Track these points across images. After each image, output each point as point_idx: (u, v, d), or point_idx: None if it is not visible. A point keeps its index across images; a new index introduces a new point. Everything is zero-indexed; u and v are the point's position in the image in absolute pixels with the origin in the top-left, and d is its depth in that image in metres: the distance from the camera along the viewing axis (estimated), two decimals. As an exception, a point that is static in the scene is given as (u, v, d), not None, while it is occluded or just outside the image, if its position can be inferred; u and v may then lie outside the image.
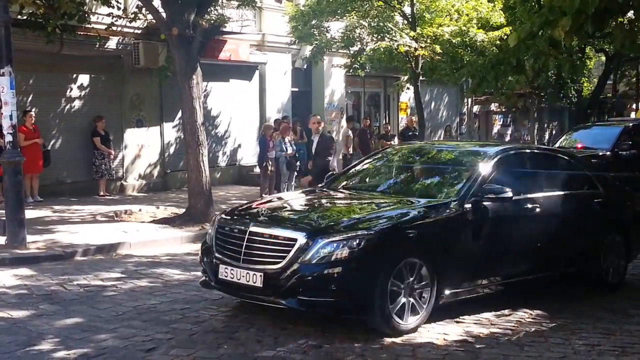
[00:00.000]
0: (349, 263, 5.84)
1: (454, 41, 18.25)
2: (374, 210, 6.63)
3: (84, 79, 16.39)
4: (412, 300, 6.16)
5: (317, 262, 5.86)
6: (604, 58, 31.45)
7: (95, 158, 15.88)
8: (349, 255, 5.85)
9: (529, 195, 7.23)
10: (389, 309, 5.96)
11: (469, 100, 29.55)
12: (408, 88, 22.51)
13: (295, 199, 8.03)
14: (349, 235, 5.95)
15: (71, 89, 16.20)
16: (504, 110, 31.62)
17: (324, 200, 7.50)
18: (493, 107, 31.07)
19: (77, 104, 16.31)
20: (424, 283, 6.24)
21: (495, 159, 7.18)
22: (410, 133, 19.47)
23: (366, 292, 5.87)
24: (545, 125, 34.75)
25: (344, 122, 22.25)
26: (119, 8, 14.17)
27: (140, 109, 17.53)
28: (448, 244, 6.51)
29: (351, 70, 20.78)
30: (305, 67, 21.78)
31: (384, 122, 23.99)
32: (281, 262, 5.96)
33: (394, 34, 17.74)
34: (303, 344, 5.85)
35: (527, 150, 8.17)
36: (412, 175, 7.87)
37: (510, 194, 6.72)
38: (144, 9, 13.93)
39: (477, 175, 6.95)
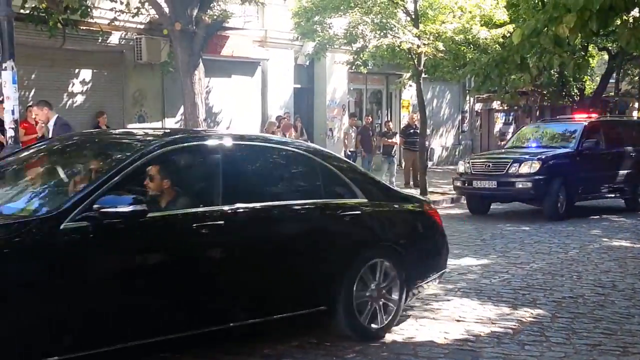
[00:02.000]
0: None
1: (456, 38, 18.19)
2: None
3: (86, 74, 16.37)
4: None
5: None
6: (606, 56, 31.40)
7: None
8: None
9: (203, 210, 5.03)
10: None
11: (471, 98, 29.50)
12: (410, 85, 22.43)
13: None
14: None
15: (73, 84, 16.18)
16: (506, 108, 31.57)
17: None
18: (495, 105, 31.02)
19: (79, 99, 16.29)
20: None
21: (150, 155, 4.94)
22: (411, 130, 19.39)
23: None
24: (547, 124, 34.63)
25: (345, 119, 22.22)
26: (121, 3, 14.15)
27: (142, 104, 17.50)
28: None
29: (353, 67, 20.72)
30: (307, 63, 21.74)
31: (385, 120, 23.94)
32: None
33: (396, 31, 17.69)
34: (303, 340, 5.83)
35: (223, 141, 5.53)
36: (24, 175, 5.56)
37: (134, 209, 4.53)
38: (146, 4, 13.93)
39: (104, 178, 4.68)
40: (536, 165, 13.57)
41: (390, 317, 6.05)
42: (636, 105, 34.56)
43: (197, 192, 5.28)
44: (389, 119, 23.80)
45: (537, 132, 16.41)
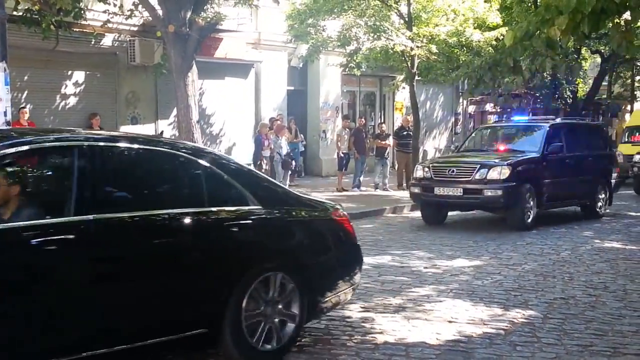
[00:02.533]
0: None
1: (450, 41, 18.27)
2: None
3: (79, 75, 16.36)
4: None
5: None
6: (599, 59, 31.53)
7: None
8: None
9: (47, 222, 4.39)
10: None
11: (465, 100, 29.58)
12: (404, 87, 22.50)
13: None
14: None
15: (66, 86, 16.16)
16: (499, 110, 31.64)
17: None
18: (488, 107, 31.10)
19: (72, 100, 16.28)
20: None
21: None
22: (404, 132, 19.40)
23: None
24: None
25: (339, 121, 22.25)
26: (115, 5, 14.16)
27: (135, 106, 17.49)
28: None
29: (347, 69, 20.77)
30: (301, 65, 21.76)
31: (378, 122, 23.98)
32: None
33: (390, 34, 17.74)
34: (297, 342, 5.85)
35: (82, 142, 4.73)
36: None
37: None
38: (140, 6, 13.93)
39: None
40: (506, 171, 12.26)
41: (290, 336, 5.43)
42: (628, 108, 34.67)
43: (46, 201, 4.64)
44: (382, 121, 23.84)
45: (496, 134, 15.11)
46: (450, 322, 6.57)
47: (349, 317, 6.66)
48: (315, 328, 6.26)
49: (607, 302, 7.46)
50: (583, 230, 12.60)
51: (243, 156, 19.89)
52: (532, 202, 12.53)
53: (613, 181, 15.42)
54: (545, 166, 13.01)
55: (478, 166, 12.53)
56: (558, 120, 15.15)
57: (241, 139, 20.13)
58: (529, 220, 12.47)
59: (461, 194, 12.42)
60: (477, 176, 12.35)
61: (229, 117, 19.90)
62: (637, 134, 22.44)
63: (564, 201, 13.88)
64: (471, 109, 30.84)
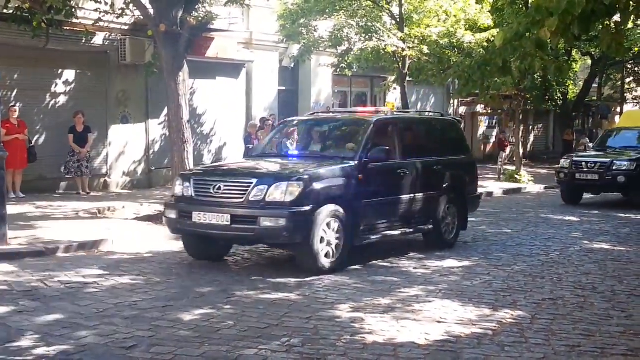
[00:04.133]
0: None
1: (441, 42, 18.32)
2: None
3: (69, 74, 16.29)
4: None
5: None
6: (589, 61, 31.69)
7: (68, 155, 15.53)
8: None
9: None
10: None
11: (455, 101, 29.64)
12: (395, 88, 22.55)
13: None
14: None
15: (56, 85, 16.10)
16: (489, 112, 31.73)
17: None
18: (479, 108, 31.17)
19: (62, 99, 16.21)
20: None
21: None
22: None
23: None
24: (531, 128, 34.90)
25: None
26: (106, 3, 14.08)
27: (125, 105, 17.44)
28: None
29: (338, 70, 20.80)
30: (292, 65, 21.76)
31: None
32: None
33: (381, 34, 17.77)
34: (285, 342, 5.85)
35: None
36: None
37: None
38: (131, 5, 13.86)
39: None
40: (295, 189, 8.36)
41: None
42: (618, 110, 34.87)
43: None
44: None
45: (308, 132, 11.05)
46: (439, 322, 6.58)
47: (338, 317, 6.66)
48: (304, 328, 6.26)
49: (595, 303, 7.49)
50: (573, 231, 12.64)
51: (234, 156, 19.88)
52: (339, 234, 8.68)
53: (473, 196, 11.49)
54: (363, 180, 9.05)
55: (254, 181, 8.49)
56: (389, 113, 11.39)
57: (232, 139, 20.09)
58: (334, 259, 8.65)
59: (228, 223, 8.42)
60: (252, 196, 8.40)
61: (220, 117, 19.87)
62: None
63: (392, 228, 9.77)
64: (462, 110, 30.90)
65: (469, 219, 11.39)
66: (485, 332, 6.31)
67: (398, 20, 18.72)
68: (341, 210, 8.73)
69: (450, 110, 29.84)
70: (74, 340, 5.80)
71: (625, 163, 16.35)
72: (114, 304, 6.98)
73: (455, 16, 18.62)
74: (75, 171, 15.66)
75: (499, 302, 7.37)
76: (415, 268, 9.11)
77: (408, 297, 7.51)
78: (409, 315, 6.78)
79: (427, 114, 12.90)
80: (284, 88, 22.00)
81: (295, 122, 11.85)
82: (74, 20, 14.21)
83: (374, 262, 9.45)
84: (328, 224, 8.59)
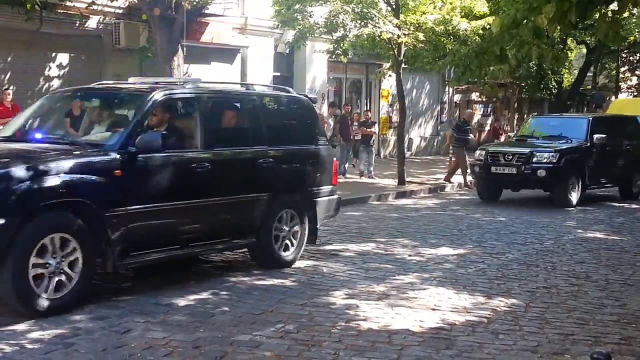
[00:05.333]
0: None
1: (437, 29, 18.23)
2: None
3: (63, 57, 16.18)
4: None
5: None
6: (584, 50, 31.68)
7: None
8: None
9: None
10: None
11: (451, 89, 29.60)
12: (390, 75, 22.46)
13: None
14: None
15: (50, 68, 15.99)
16: (484, 99, 31.73)
17: None
18: (474, 96, 31.17)
19: (55, 83, 16.11)
20: None
21: None
22: (466, 127, 18.14)
23: None
24: (525, 116, 34.93)
25: (325, 108, 22.19)
26: (100, -14, 14.03)
27: (120, 89, 17.32)
28: None
29: (333, 56, 20.71)
30: (287, 51, 21.66)
31: (364, 109, 23.94)
32: None
33: (377, 21, 17.68)
34: (280, 328, 5.85)
35: None
36: None
37: None
38: (125, -12, 13.79)
39: None
40: None
41: None
42: (613, 99, 34.88)
43: None
44: (368, 109, 23.80)
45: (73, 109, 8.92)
46: (433, 309, 6.59)
47: (332, 304, 6.66)
48: (299, 314, 6.27)
49: (589, 291, 7.52)
50: (567, 220, 12.67)
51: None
52: (71, 257, 6.16)
53: (327, 199, 8.85)
54: (126, 178, 6.58)
55: None
56: (189, 85, 7.91)
57: (226, 125, 20.03)
58: (59, 295, 6.07)
59: None
60: None
61: (215, 102, 19.77)
62: None
63: (184, 245, 7.32)
64: (457, 97, 30.90)
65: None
66: (479, 319, 6.32)
67: (394, 6, 18.62)
68: (78, 222, 6.18)
69: (446, 98, 29.83)
70: (69, 324, 5.79)
71: (547, 155, 14.28)
72: (109, 289, 6.97)
73: (451, 3, 18.52)
74: None
75: (493, 290, 7.39)
76: (409, 256, 9.13)
77: (403, 284, 7.52)
78: (403, 303, 6.79)
79: (257, 87, 9.30)
80: (279, 74, 21.91)
81: (68, 94, 9.03)
82: (68, 3, 14.13)
83: (368, 249, 9.45)
84: (44, 247, 5.98)
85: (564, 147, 14.64)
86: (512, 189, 15.32)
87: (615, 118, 17.55)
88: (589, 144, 14.83)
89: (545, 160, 14.22)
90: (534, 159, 14.26)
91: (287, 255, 8.23)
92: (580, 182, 14.46)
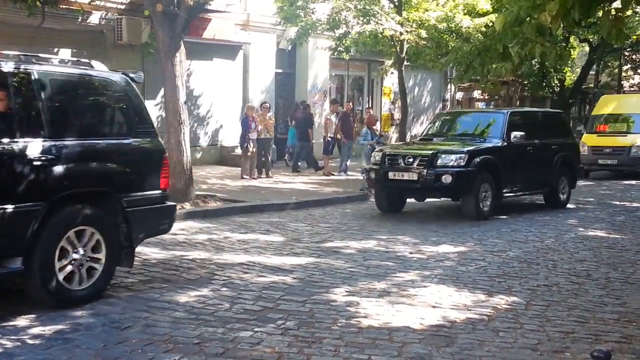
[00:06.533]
0: None
1: (439, 27, 18.24)
2: None
3: (65, 53, 16.17)
4: None
5: None
6: (587, 48, 31.62)
7: None
8: None
9: None
10: None
11: (453, 86, 29.59)
12: (392, 73, 22.49)
13: None
14: None
15: (52, 64, 15.97)
16: (486, 97, 31.71)
17: None
18: (476, 94, 31.15)
19: (57, 78, 16.10)
20: None
21: None
22: None
23: None
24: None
25: (327, 105, 22.19)
26: (102, -18, 14.02)
27: (121, 85, 17.32)
28: None
29: (336, 53, 20.71)
30: (289, 48, 21.65)
31: (366, 107, 23.95)
32: None
33: (379, 18, 17.68)
34: (281, 325, 5.85)
35: None
36: None
37: None
38: (127, -16, 13.79)
39: None
40: None
41: None
42: (615, 97, 34.84)
43: None
44: (369, 106, 23.80)
45: None
46: (434, 307, 6.58)
47: (333, 301, 6.66)
48: (299, 311, 6.27)
49: (589, 289, 7.50)
50: (568, 218, 12.65)
51: (230, 138, 19.84)
52: None
53: (149, 209, 6.98)
54: None
55: None
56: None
57: (228, 121, 20.04)
58: None
59: None
60: None
61: (217, 99, 19.79)
62: (605, 123, 20.95)
63: None
64: (459, 95, 30.88)
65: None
66: (480, 317, 6.32)
67: (396, 3, 18.62)
68: None
69: (448, 95, 29.82)
70: (69, 320, 5.80)
71: (454, 157, 11.85)
72: (109, 284, 6.97)
73: (453, 0, 18.54)
74: None
75: (493, 288, 7.38)
76: (410, 253, 9.12)
77: (403, 281, 7.52)
78: (404, 300, 6.78)
79: (40, 61, 6.78)
80: (281, 70, 21.91)
81: None
82: (70, -1, 14.12)
83: (369, 246, 9.46)
84: None
85: (475, 147, 12.29)
86: (416, 198, 13.17)
87: (539, 114, 15.62)
88: (505, 144, 12.65)
89: (451, 164, 11.79)
90: (439, 162, 11.82)
91: (78, 290, 6.23)
92: (494, 189, 12.21)
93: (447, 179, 11.65)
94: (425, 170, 11.79)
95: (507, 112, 13.38)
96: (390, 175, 12.16)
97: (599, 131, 20.79)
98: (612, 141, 20.06)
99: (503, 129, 12.80)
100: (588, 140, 20.33)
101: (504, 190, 12.58)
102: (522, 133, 12.73)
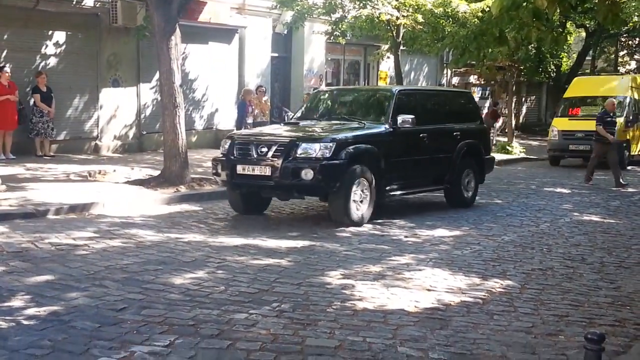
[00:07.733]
0: None
1: (436, 11, 18.17)
2: None
3: (60, 36, 16.10)
4: None
5: None
6: (584, 34, 31.57)
7: (33, 115, 15.00)
8: None
9: None
10: None
11: (449, 71, 29.52)
12: (388, 57, 22.43)
13: None
14: None
15: (46, 46, 15.91)
16: (482, 82, 31.65)
17: None
18: (472, 79, 31.09)
19: (52, 61, 16.04)
20: None
21: None
22: (609, 118, 15.62)
23: None
24: (523, 99, 34.90)
25: (322, 89, 22.12)
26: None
27: (116, 68, 17.28)
28: None
29: (332, 38, 20.64)
30: (285, 32, 21.57)
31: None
32: None
33: (376, 2, 17.61)
34: (276, 307, 5.87)
35: None
36: None
37: None
38: (122, -34, 13.69)
39: None
40: None
41: None
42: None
43: None
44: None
45: None
46: (429, 290, 6.61)
47: (328, 284, 6.68)
48: (294, 294, 6.28)
49: (584, 273, 7.53)
50: (563, 203, 12.69)
51: (226, 122, 19.79)
52: None
53: None
54: None
55: None
56: None
57: (224, 105, 19.99)
58: None
59: None
60: None
61: (212, 82, 19.73)
62: (577, 106, 20.08)
63: None
64: (455, 80, 30.82)
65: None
66: (474, 300, 6.34)
67: (393, -13, 18.54)
68: None
69: (444, 80, 29.76)
70: (65, 301, 5.80)
71: (317, 146, 9.41)
72: (104, 266, 6.98)
73: (450, -15, 18.45)
74: (44, 132, 15.17)
75: (488, 272, 7.41)
76: (406, 237, 9.14)
77: (398, 265, 7.54)
78: (399, 283, 6.80)
79: None
80: (276, 55, 21.83)
81: None
82: (65, -19, 14.02)
83: (365, 230, 9.47)
84: None
85: (346, 134, 9.88)
86: (278, 197, 10.53)
87: (440, 93, 13.45)
88: (391, 129, 10.28)
89: (314, 155, 9.37)
90: (298, 153, 9.41)
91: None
92: (374, 187, 9.87)
93: (307, 174, 9.24)
94: (280, 163, 9.39)
95: (396, 91, 11.03)
96: (239, 169, 9.70)
97: (570, 115, 19.90)
98: (585, 124, 18.13)
99: (389, 112, 10.48)
100: (558, 124, 19.44)
101: (388, 188, 10.35)
102: (412, 117, 10.35)
